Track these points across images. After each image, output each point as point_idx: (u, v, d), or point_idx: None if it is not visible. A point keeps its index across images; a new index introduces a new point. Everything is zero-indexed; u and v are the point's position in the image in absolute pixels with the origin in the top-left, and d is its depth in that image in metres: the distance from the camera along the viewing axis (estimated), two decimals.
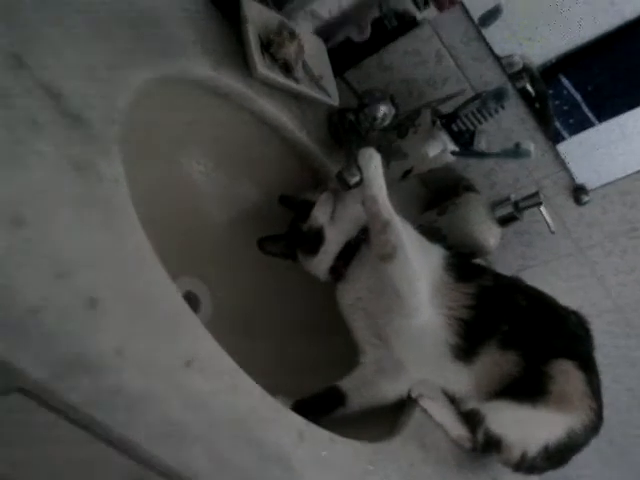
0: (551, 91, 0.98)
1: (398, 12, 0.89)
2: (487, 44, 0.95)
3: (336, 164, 0.89)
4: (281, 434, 0.53)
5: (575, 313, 0.82)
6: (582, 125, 0.99)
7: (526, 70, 0.99)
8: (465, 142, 0.95)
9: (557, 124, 1.00)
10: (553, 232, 0.98)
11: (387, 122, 0.88)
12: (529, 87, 1.01)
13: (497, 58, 0.96)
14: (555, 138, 1.01)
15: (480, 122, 0.93)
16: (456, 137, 0.94)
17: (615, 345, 1.20)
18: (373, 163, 0.77)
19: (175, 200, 0.78)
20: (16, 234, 0.40)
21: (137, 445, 0.41)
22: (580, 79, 0.96)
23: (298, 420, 0.56)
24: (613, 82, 0.94)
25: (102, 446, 0.42)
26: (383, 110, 0.87)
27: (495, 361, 0.76)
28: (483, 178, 1.14)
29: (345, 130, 0.91)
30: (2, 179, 0.41)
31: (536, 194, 0.97)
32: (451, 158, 0.93)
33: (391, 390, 0.77)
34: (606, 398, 0.77)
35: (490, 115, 0.93)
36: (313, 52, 0.86)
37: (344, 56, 0.94)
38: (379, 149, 0.82)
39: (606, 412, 0.77)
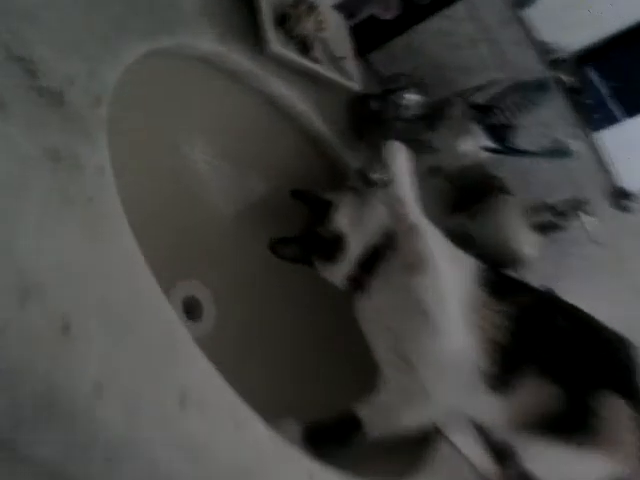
0: None
1: None
2: (526, 27, 0.87)
3: (356, 157, 0.81)
4: None
5: (622, 339, 0.74)
6: (608, 120, 0.92)
7: (565, 60, 0.92)
8: (500, 137, 0.87)
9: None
10: (594, 241, 0.90)
11: (415, 112, 0.80)
12: (565, 78, 0.93)
13: (538, 44, 0.88)
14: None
15: (517, 115, 0.86)
16: (490, 131, 0.86)
17: None
18: (400, 159, 0.70)
19: (174, 194, 0.71)
20: None
21: None
22: (609, 71, 0.90)
23: (308, 464, 0.49)
24: None
25: None
26: (411, 98, 0.79)
27: (533, 391, 0.68)
28: (516, 177, 1.05)
29: (367, 119, 0.83)
30: None
31: (577, 199, 0.89)
32: (484, 155, 0.86)
33: (414, 419, 0.70)
34: None
35: (529, 108, 0.85)
36: (333, 29, 0.78)
37: (368, 35, 0.86)
38: (404, 142, 0.75)
39: None
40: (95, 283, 0.39)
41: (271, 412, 0.48)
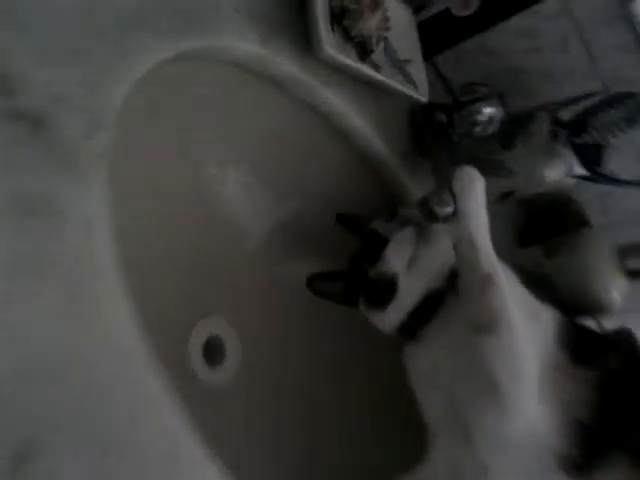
0: None
1: None
2: (637, 29, 0.72)
3: (416, 180, 0.69)
4: None
5: None
6: None
7: None
8: (591, 161, 0.73)
9: None
10: None
11: (491, 128, 0.67)
12: None
13: None
14: None
15: (615, 135, 0.71)
16: (580, 153, 0.72)
17: None
18: (475, 191, 0.59)
19: (199, 220, 0.61)
20: None
21: None
22: None
23: None
24: None
25: None
26: (489, 113, 0.66)
27: None
28: (594, 200, 0.91)
29: (432, 133, 0.70)
30: None
31: None
32: (572, 182, 0.72)
33: None
34: None
35: (627, 127, 0.71)
36: (399, 26, 0.65)
37: (438, 34, 0.73)
38: (473, 161, 0.62)
39: None
40: (68, 389, 0.28)
41: None
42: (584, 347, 0.63)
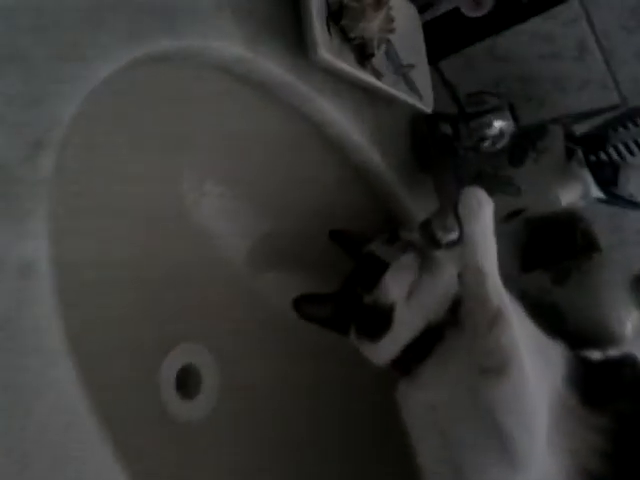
0: None
1: None
2: None
3: (418, 198, 0.64)
4: None
5: None
6: None
7: None
8: (605, 181, 0.68)
9: None
10: None
11: (501, 143, 0.62)
12: None
13: None
14: None
15: (634, 154, 0.66)
16: (594, 172, 0.67)
17: None
18: (482, 215, 0.54)
19: (172, 237, 0.56)
20: None
21: None
22: None
23: None
24: None
25: None
26: (500, 126, 0.60)
27: None
28: (604, 217, 0.86)
29: (436, 147, 0.65)
30: None
31: None
32: (585, 203, 0.67)
33: None
34: None
35: None
36: (403, 27, 0.59)
37: (445, 36, 0.67)
38: (479, 177, 0.57)
39: None
40: None
41: None
42: (594, 388, 0.59)
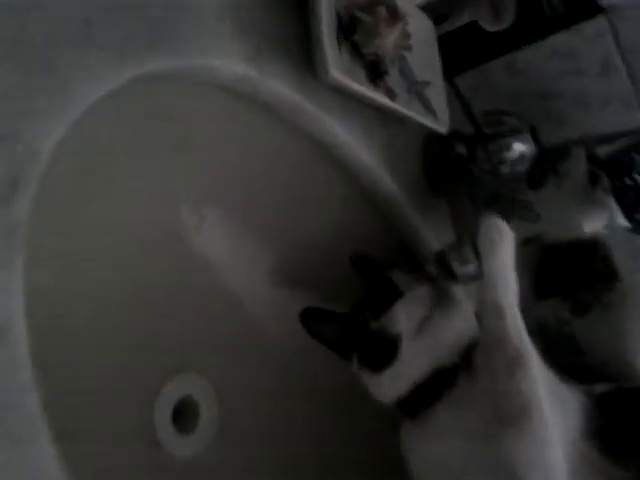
0: None
1: None
2: None
3: (431, 224, 0.61)
4: None
5: None
6: None
7: None
8: (628, 207, 0.65)
9: None
10: None
11: (521, 167, 0.58)
12: None
13: None
14: None
15: None
16: (618, 198, 0.64)
17: None
18: (504, 249, 0.51)
19: (172, 264, 0.53)
20: None
21: None
22: None
23: None
24: None
25: None
26: (520, 150, 0.57)
27: None
28: (621, 240, 0.83)
29: (451, 169, 0.62)
30: None
31: None
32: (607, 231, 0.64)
33: None
34: None
35: None
36: (418, 40, 0.56)
37: (461, 50, 0.64)
38: (496, 201, 0.54)
39: None
40: None
41: None
42: (615, 440, 0.55)
